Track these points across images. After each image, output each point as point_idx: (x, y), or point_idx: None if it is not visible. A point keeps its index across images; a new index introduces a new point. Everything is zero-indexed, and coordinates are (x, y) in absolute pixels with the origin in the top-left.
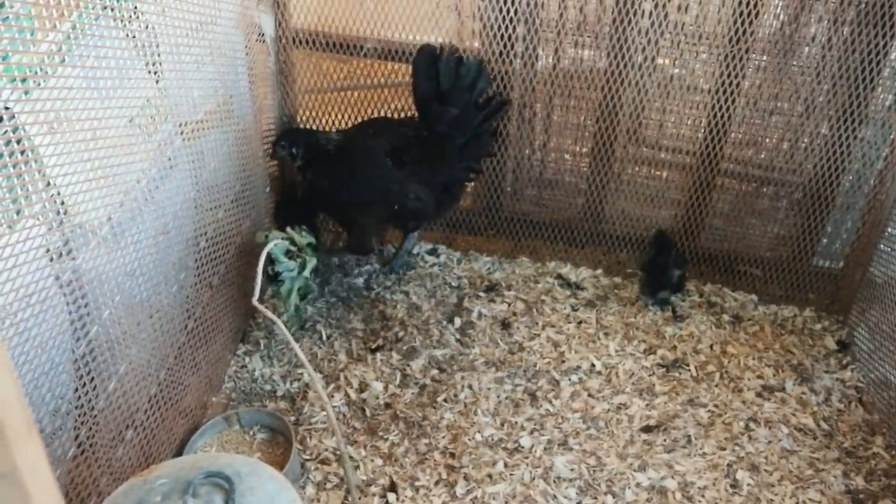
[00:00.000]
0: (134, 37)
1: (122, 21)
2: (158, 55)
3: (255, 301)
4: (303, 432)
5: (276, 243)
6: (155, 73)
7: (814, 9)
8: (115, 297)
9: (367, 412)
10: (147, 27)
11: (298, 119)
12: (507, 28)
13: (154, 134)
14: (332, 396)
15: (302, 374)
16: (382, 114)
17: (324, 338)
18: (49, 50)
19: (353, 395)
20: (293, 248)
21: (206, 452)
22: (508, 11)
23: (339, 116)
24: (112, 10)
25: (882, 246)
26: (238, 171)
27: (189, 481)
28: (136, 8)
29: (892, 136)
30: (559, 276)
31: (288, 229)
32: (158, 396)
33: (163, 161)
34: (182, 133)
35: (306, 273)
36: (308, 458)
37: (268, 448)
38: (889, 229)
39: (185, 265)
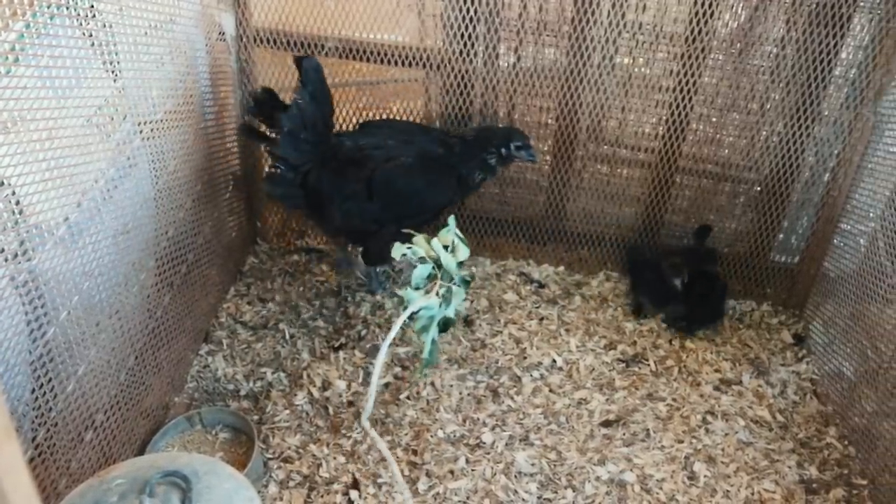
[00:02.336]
0: (91, 35)
1: (78, 20)
2: (116, 54)
3: (364, 421)
4: (266, 431)
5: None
6: (113, 72)
7: (768, 9)
8: (72, 298)
9: (331, 410)
10: (105, 26)
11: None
12: (467, 27)
13: (113, 133)
14: (296, 395)
15: (265, 373)
16: (347, 112)
17: (287, 337)
18: (2, 49)
19: (316, 394)
20: (435, 271)
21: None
22: (468, 11)
23: None
24: (68, 8)
25: (836, 241)
26: (199, 170)
27: (146, 481)
28: (92, 6)
29: (844, 134)
30: (521, 274)
31: (434, 242)
32: (119, 397)
33: (122, 161)
34: (141, 132)
35: (450, 311)
36: (271, 456)
37: (230, 447)
38: (842, 225)
39: (145, 265)
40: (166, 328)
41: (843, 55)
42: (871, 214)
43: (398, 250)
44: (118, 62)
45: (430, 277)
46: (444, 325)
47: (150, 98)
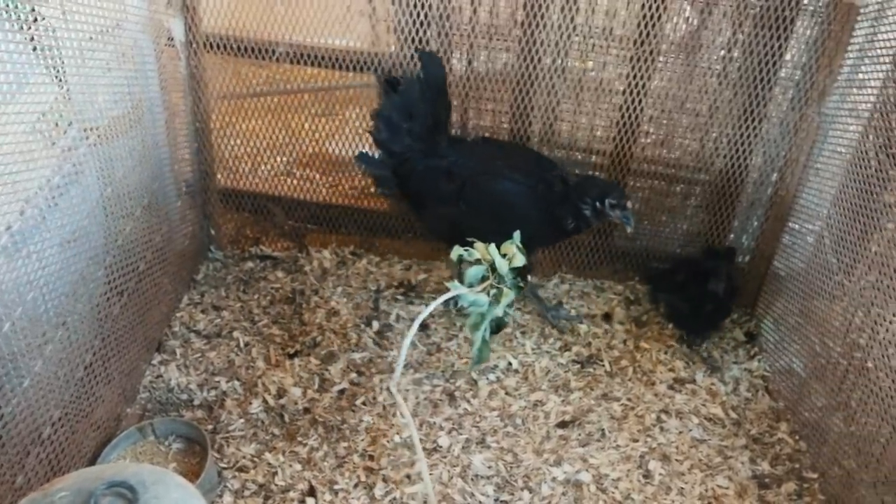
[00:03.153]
0: (33, 40)
1: (19, 24)
2: (61, 59)
3: (392, 385)
4: (220, 440)
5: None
6: (58, 77)
7: (715, 13)
8: (16, 309)
9: (286, 418)
10: (48, 31)
11: (212, 125)
12: (419, 31)
13: (58, 140)
14: (250, 403)
15: (219, 382)
16: (301, 119)
17: (241, 345)
18: None
19: (271, 402)
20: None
21: None
22: (419, 15)
23: (258, 122)
24: (8, 13)
25: (785, 240)
26: (149, 178)
27: (91, 492)
28: (34, 10)
29: (790, 135)
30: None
31: (491, 247)
32: (68, 410)
33: (67, 168)
34: (88, 139)
35: (499, 311)
36: (225, 466)
37: (183, 458)
38: (791, 224)
39: (94, 275)
40: (117, 338)
41: (788, 57)
42: (818, 213)
43: (456, 252)
44: (63, 67)
45: (484, 279)
46: (497, 327)
47: (97, 104)
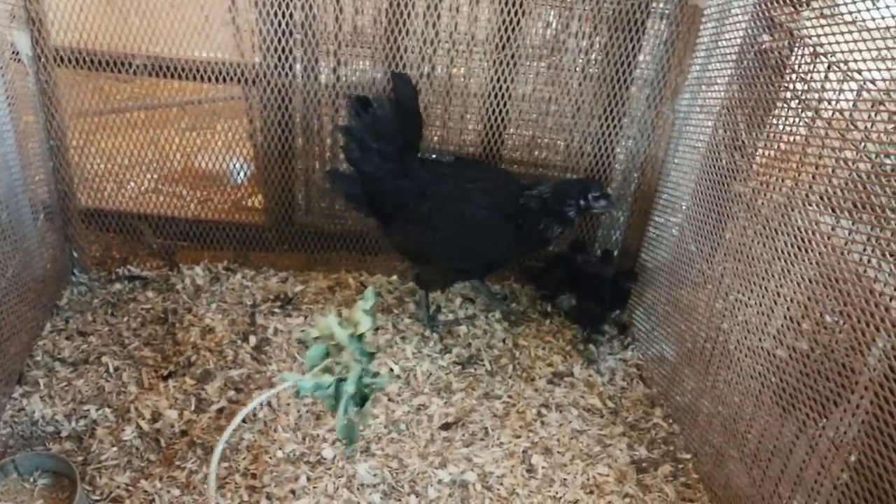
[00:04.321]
0: None
1: None
2: None
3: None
4: (91, 472)
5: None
6: None
7: (573, 17)
8: None
9: (162, 442)
10: None
11: (69, 143)
12: (284, 41)
13: None
14: (123, 430)
15: (88, 410)
16: (168, 134)
17: (111, 370)
18: None
19: (146, 427)
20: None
21: None
22: (280, 24)
23: (122, 139)
24: None
25: (650, 233)
26: (1, 201)
27: None
28: None
29: (648, 132)
30: (354, 286)
31: (330, 318)
32: None
33: None
34: None
35: (350, 387)
36: (98, 498)
37: (51, 493)
38: (656, 217)
39: None
40: None
41: (641, 58)
42: (679, 206)
43: (295, 334)
44: None
45: (327, 356)
46: (362, 399)
47: None
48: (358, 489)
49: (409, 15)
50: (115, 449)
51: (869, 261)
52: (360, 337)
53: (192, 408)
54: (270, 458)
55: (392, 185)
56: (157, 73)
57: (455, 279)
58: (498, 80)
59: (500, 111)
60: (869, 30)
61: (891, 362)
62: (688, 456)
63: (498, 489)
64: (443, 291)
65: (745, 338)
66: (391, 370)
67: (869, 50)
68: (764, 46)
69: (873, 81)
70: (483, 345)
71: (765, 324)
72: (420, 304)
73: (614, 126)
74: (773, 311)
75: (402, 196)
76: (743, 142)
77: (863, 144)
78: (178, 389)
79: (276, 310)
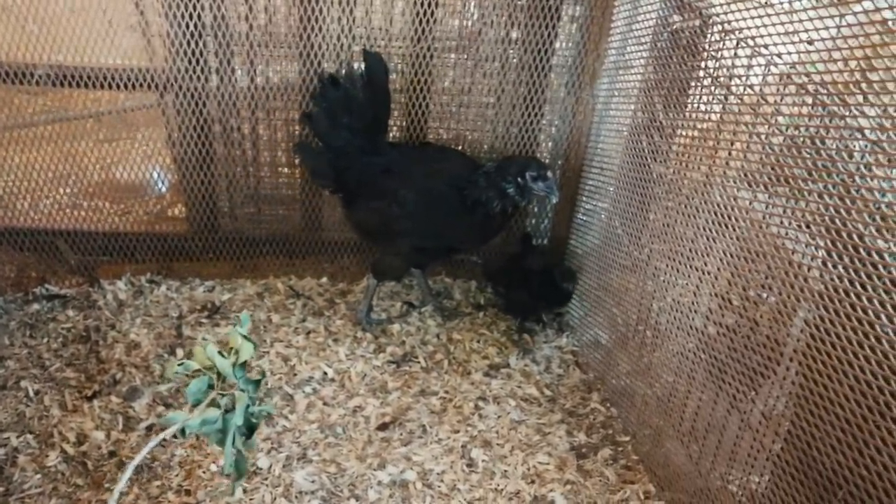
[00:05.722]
0: None
1: None
2: None
3: None
4: (14, 503)
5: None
6: None
7: (488, 6)
8: None
9: (90, 465)
10: None
11: None
12: (194, 44)
13: None
14: (47, 456)
15: (8, 438)
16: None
17: (31, 394)
18: None
19: (70, 451)
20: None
21: None
22: (193, 27)
23: (35, 153)
24: None
25: (579, 219)
26: None
27: None
28: None
29: (570, 118)
30: (283, 290)
31: (210, 348)
32: None
33: None
34: None
35: (238, 419)
36: None
37: None
38: (583, 203)
39: None
40: None
41: (558, 45)
42: (606, 191)
43: (172, 367)
44: None
45: (210, 388)
46: (249, 430)
47: None
48: (296, 497)
49: (321, 11)
50: (38, 476)
51: (787, 233)
52: (244, 365)
53: (120, 427)
54: (204, 472)
55: (361, 161)
56: (63, 83)
57: (413, 262)
58: (416, 73)
59: (421, 105)
60: (772, 4)
61: (812, 331)
62: (626, 438)
63: (439, 486)
64: (399, 281)
65: (676, 317)
66: (325, 373)
67: (774, 25)
68: (676, 27)
69: (780, 55)
70: (417, 342)
71: (694, 302)
72: (365, 296)
73: (536, 114)
74: (700, 289)
75: (370, 172)
76: (661, 123)
77: (774, 118)
78: (104, 409)
79: (204, 320)
